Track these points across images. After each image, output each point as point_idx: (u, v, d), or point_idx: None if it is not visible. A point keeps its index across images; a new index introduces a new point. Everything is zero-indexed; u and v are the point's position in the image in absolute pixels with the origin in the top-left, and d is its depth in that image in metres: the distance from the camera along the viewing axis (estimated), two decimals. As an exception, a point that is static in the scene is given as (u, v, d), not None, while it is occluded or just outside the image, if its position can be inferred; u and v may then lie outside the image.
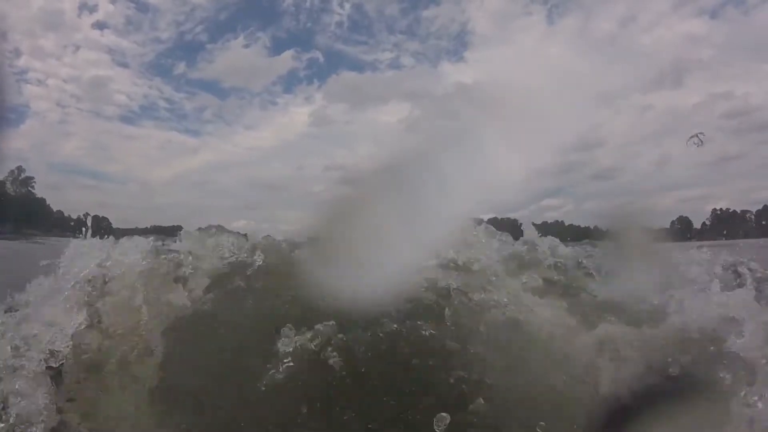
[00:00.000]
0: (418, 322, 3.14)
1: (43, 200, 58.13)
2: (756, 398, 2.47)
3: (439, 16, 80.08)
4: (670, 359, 2.65)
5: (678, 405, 2.19)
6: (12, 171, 55.66)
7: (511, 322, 3.29)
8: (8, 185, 55.11)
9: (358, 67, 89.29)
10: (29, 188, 57.57)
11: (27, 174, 57.31)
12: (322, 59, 77.47)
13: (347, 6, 79.01)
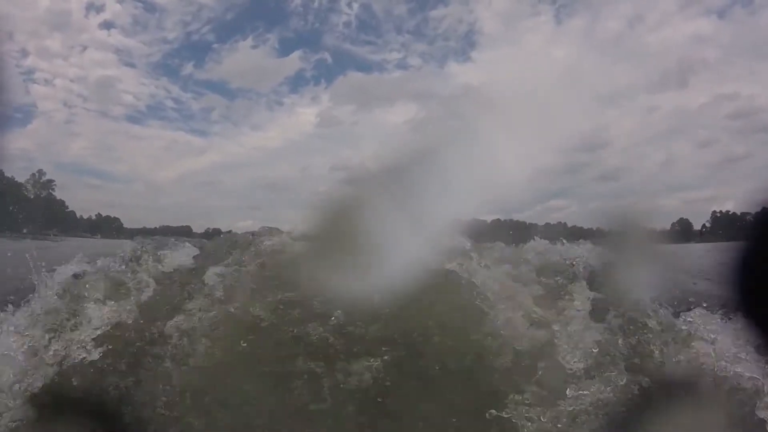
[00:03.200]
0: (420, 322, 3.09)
1: (62, 202, 58.71)
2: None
3: (446, 16, 79.33)
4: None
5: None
6: (33, 174, 56.31)
7: (510, 324, 3.22)
8: (30, 188, 55.76)
9: (365, 67, 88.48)
10: (50, 191, 58.22)
11: (47, 177, 57.95)
12: (329, 60, 76.84)
13: (355, 6, 78.37)
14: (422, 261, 2.98)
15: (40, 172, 56.92)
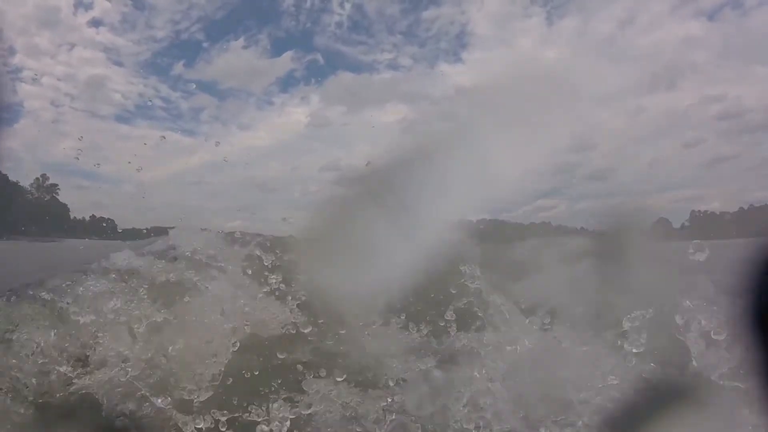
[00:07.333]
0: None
1: (65, 205, 57.85)
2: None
3: (439, 17, 78.62)
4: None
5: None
6: (37, 179, 55.60)
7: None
8: (34, 192, 55.06)
9: (356, 67, 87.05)
10: (54, 194, 57.49)
11: (50, 182, 57.22)
12: (321, 60, 75.51)
13: (347, 6, 77.06)
14: (415, 261, 2.94)
15: (44, 177, 56.23)
